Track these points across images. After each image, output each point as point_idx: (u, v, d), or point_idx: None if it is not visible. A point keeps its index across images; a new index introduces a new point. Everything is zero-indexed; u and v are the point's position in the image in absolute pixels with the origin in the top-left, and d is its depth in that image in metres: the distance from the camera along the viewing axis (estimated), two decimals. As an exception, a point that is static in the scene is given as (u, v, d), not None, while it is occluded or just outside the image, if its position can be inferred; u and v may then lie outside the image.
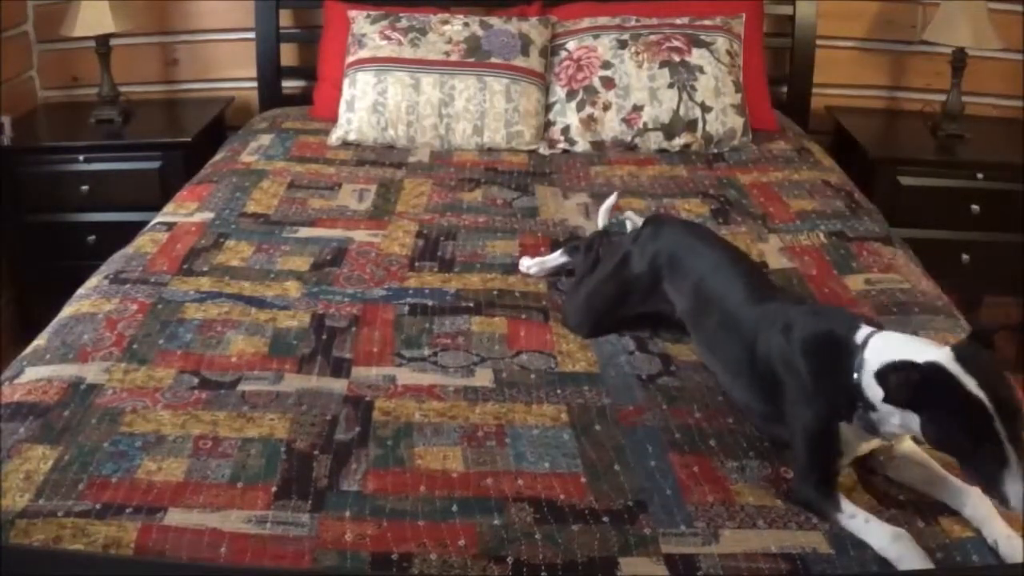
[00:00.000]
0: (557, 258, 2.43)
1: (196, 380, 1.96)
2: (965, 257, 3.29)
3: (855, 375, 1.60)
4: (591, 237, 2.44)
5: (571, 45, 3.31)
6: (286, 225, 2.64)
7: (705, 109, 3.17)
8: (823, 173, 3.03)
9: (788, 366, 1.71)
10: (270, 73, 3.62)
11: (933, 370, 1.47)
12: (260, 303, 2.24)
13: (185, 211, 2.72)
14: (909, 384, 1.46)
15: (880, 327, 1.68)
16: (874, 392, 1.55)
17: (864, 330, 1.65)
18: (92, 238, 3.29)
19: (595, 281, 2.20)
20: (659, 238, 2.12)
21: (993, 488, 1.44)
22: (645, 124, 3.19)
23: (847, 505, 1.59)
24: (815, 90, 3.64)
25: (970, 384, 1.44)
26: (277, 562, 1.49)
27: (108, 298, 2.25)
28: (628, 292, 2.15)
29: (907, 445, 1.71)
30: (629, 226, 2.53)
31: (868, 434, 1.63)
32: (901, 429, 1.58)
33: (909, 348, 1.56)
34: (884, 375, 1.49)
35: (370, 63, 3.23)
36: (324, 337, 2.12)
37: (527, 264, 2.44)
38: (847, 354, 1.62)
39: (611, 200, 2.53)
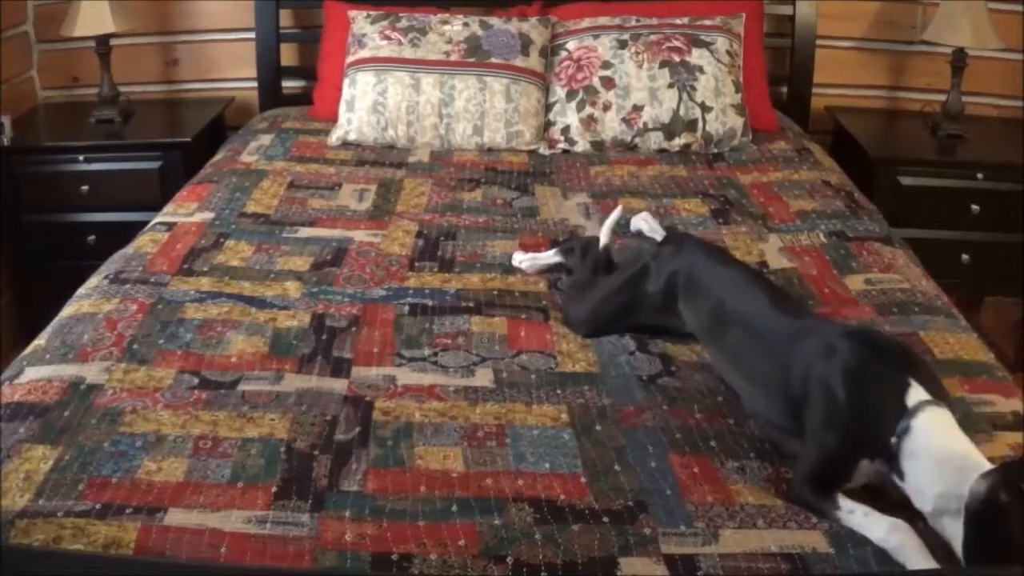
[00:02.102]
0: (550, 257, 2.43)
1: (196, 380, 1.96)
2: (965, 257, 3.29)
3: (894, 439, 1.57)
4: (586, 240, 2.45)
5: (571, 45, 3.31)
6: (286, 225, 2.64)
7: (705, 109, 3.17)
8: (823, 173, 3.03)
9: (825, 389, 1.67)
10: (270, 73, 3.62)
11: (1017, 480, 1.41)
12: (260, 303, 2.24)
13: (185, 211, 2.72)
14: (1002, 484, 1.41)
15: (933, 399, 1.61)
16: (911, 476, 1.54)
17: (916, 391, 1.60)
18: (92, 238, 3.29)
19: (608, 288, 2.19)
20: (679, 258, 2.11)
21: None
22: (645, 124, 3.19)
23: (845, 501, 1.59)
24: (815, 90, 3.64)
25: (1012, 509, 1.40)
26: (277, 562, 1.49)
27: (108, 298, 2.25)
28: (639, 306, 2.15)
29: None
30: (636, 226, 2.53)
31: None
32: (913, 495, 1.56)
33: (963, 449, 1.53)
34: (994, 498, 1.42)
35: (370, 63, 3.23)
36: (324, 337, 2.12)
37: (519, 259, 2.44)
38: (893, 409, 1.59)
39: (615, 215, 2.49)
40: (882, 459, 1.59)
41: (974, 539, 1.45)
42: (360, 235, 2.59)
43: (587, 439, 1.81)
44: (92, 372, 1.97)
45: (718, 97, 3.18)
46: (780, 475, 1.71)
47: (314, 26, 3.66)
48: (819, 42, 3.60)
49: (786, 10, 3.61)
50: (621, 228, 2.58)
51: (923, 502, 1.54)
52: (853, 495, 1.62)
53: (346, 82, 3.26)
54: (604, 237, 2.42)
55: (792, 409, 1.74)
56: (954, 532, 1.47)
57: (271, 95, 3.63)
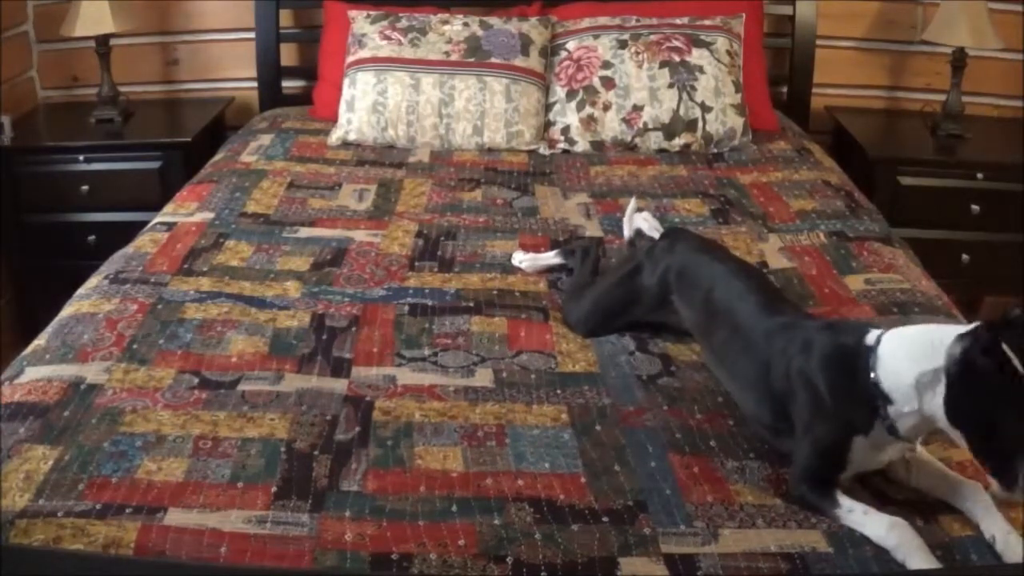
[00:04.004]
0: (551, 258, 2.44)
1: (196, 380, 1.96)
2: (965, 257, 3.29)
3: (872, 375, 1.60)
4: (587, 242, 2.46)
5: (571, 45, 3.31)
6: (286, 225, 2.64)
7: (705, 109, 3.17)
8: (823, 173, 3.03)
9: (807, 384, 1.69)
10: (270, 73, 3.62)
11: (990, 341, 1.46)
12: (260, 303, 2.24)
13: (185, 211, 2.73)
14: (977, 346, 1.46)
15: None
16: (892, 386, 1.56)
17: (874, 332, 1.65)
18: (92, 238, 3.29)
19: (605, 284, 2.21)
20: (672, 253, 2.13)
21: (1007, 468, 1.44)
22: (645, 124, 3.19)
23: (845, 500, 1.60)
24: (815, 90, 3.64)
25: (1015, 359, 1.45)
26: (277, 562, 1.49)
27: (108, 298, 2.25)
28: (635, 301, 2.15)
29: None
30: (636, 225, 2.53)
31: (889, 440, 1.62)
32: (918, 421, 1.57)
33: (928, 333, 1.57)
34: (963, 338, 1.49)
35: (370, 63, 3.23)
36: (324, 337, 2.12)
37: (519, 258, 2.45)
38: (861, 360, 1.62)
39: (631, 208, 2.53)
40: (877, 419, 1.59)
41: (955, 400, 1.50)
42: (360, 235, 2.59)
43: (587, 439, 1.81)
44: (92, 372, 1.97)
45: (718, 97, 3.18)
46: (779, 475, 1.71)
47: (314, 26, 3.66)
48: (819, 42, 3.60)
49: (786, 10, 3.61)
50: (620, 228, 2.58)
51: (907, 402, 1.55)
52: (853, 494, 1.63)
53: (346, 82, 3.26)
54: (627, 231, 2.50)
55: (779, 408, 1.74)
56: (938, 406, 1.52)
57: (271, 95, 3.63)
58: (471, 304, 2.27)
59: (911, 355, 1.56)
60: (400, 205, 2.79)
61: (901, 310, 2.22)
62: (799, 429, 1.69)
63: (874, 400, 1.59)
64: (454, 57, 3.22)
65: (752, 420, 1.84)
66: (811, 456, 1.65)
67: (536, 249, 2.51)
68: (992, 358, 1.45)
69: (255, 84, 3.65)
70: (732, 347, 1.90)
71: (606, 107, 3.20)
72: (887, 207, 2.95)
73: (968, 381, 1.48)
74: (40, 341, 2.11)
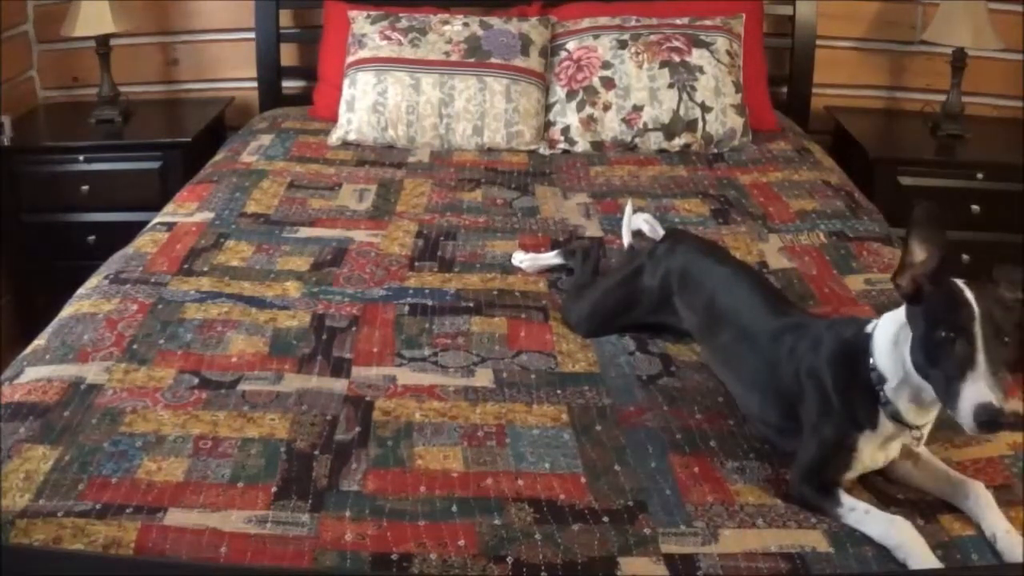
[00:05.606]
0: (552, 258, 2.44)
1: (196, 380, 1.96)
2: (965, 257, 3.28)
3: (871, 359, 1.62)
4: (587, 243, 2.46)
5: (571, 45, 3.31)
6: (286, 225, 2.64)
7: (705, 109, 3.17)
8: (823, 173, 3.03)
9: (816, 383, 1.69)
10: (270, 73, 3.62)
11: (943, 273, 1.54)
12: (260, 303, 2.24)
13: (185, 211, 2.73)
14: (921, 277, 1.55)
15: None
16: (884, 363, 1.59)
17: (873, 322, 1.67)
18: (92, 238, 3.29)
19: (605, 285, 2.21)
20: (674, 255, 2.13)
21: (952, 392, 1.45)
22: (645, 124, 3.19)
23: (846, 498, 1.59)
24: (815, 90, 3.65)
25: (967, 291, 1.50)
26: (277, 562, 1.49)
27: (108, 298, 2.25)
28: (636, 303, 2.15)
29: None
30: (637, 227, 2.53)
31: (895, 431, 1.62)
32: (910, 392, 1.57)
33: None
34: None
35: (370, 63, 3.23)
36: (324, 337, 2.12)
37: (520, 258, 2.45)
38: (862, 349, 1.64)
39: (628, 214, 2.52)
40: (881, 407, 1.60)
41: (915, 342, 1.54)
42: (360, 235, 2.59)
43: (587, 439, 1.81)
44: (92, 372, 1.97)
45: (718, 97, 3.18)
46: (779, 475, 1.71)
47: (314, 26, 3.66)
48: (819, 42, 3.60)
49: (786, 10, 3.61)
50: (620, 228, 2.58)
51: (896, 372, 1.58)
52: (853, 494, 1.62)
53: (346, 82, 3.26)
54: (626, 237, 2.48)
55: (788, 408, 1.74)
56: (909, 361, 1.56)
57: (271, 95, 3.63)
58: (471, 304, 2.27)
59: (892, 321, 1.61)
60: (400, 205, 2.79)
61: (901, 310, 2.22)
62: (806, 428, 1.69)
63: (874, 386, 1.60)
64: (454, 57, 3.22)
65: (757, 420, 1.83)
66: (817, 455, 1.64)
67: (536, 249, 2.51)
68: (938, 287, 1.52)
69: (255, 84, 3.65)
70: (737, 348, 1.90)
71: (606, 107, 3.20)
72: (887, 207, 2.95)
73: (919, 314, 1.53)
74: (40, 341, 2.11)
